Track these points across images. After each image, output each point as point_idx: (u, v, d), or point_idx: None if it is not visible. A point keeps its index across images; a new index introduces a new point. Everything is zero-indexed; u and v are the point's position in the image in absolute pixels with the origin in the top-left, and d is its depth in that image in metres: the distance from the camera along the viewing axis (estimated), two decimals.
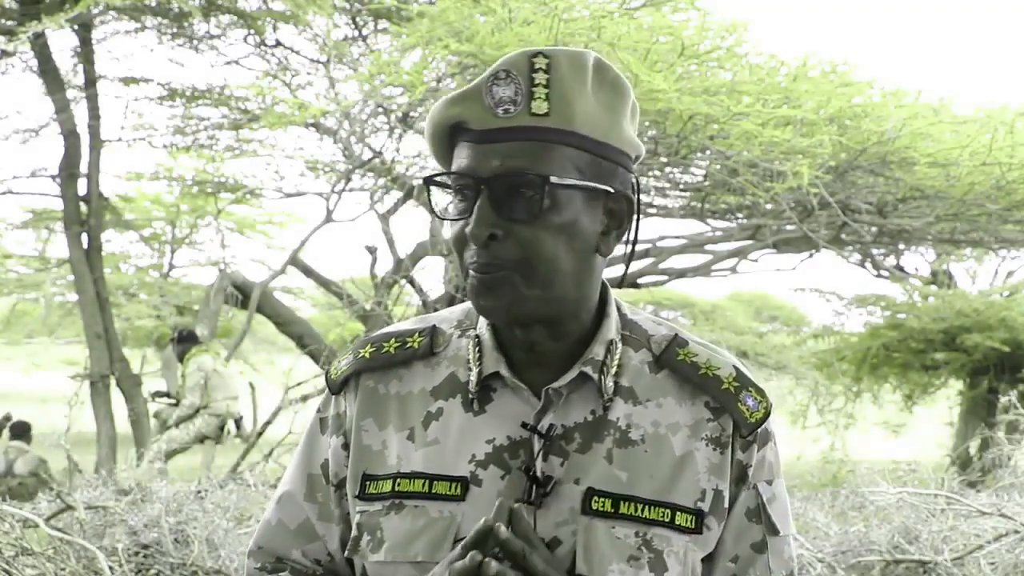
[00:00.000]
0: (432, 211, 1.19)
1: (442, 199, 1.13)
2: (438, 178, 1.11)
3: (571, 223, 1.06)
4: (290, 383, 6.61)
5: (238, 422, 7.92)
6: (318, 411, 1.22)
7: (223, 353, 9.01)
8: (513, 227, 1.04)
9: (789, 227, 8.19)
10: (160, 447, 7.35)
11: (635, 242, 1.16)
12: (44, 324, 13.40)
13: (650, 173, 7.87)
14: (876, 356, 10.56)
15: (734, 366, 1.16)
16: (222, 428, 7.76)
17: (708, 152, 6.75)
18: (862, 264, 10.89)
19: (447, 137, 1.09)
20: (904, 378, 11.12)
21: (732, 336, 9.93)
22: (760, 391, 1.15)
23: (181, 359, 7.72)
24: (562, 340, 1.12)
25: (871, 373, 10.84)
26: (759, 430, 1.14)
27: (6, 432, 9.04)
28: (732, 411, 1.13)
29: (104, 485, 4.66)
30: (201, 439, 7.63)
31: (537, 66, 1.04)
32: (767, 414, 1.14)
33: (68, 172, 8.41)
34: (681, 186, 8.33)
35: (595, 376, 1.11)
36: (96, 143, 8.49)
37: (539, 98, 1.04)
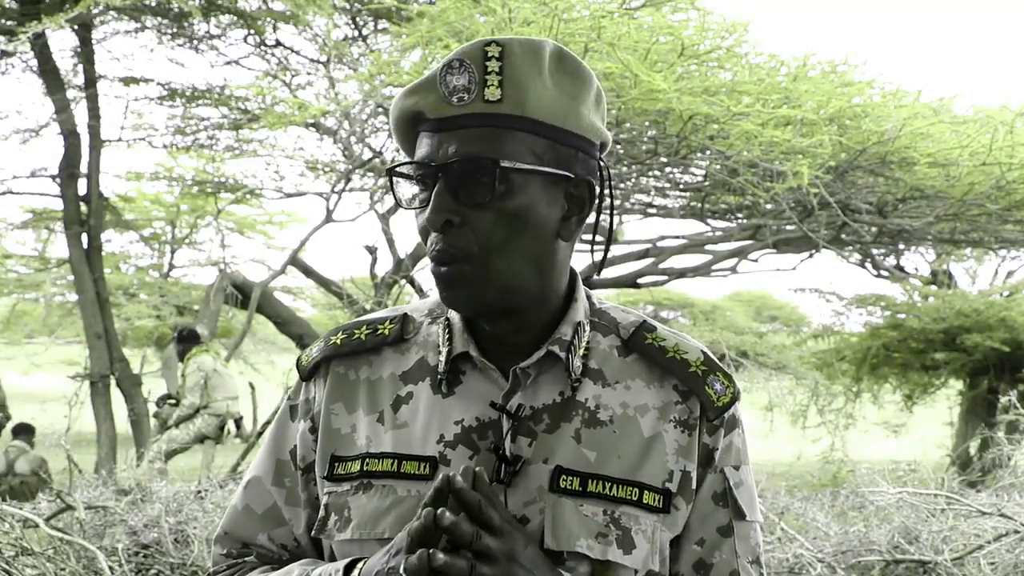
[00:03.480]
0: (397, 202, 1.19)
1: (407, 190, 1.13)
2: (401, 168, 1.12)
3: (527, 208, 1.07)
4: (290, 383, 6.60)
5: (238, 422, 7.92)
6: (288, 399, 1.23)
7: (223, 353, 9.02)
8: (469, 213, 1.05)
9: (789, 227, 8.20)
10: (160, 447, 7.35)
11: (610, 233, 1.17)
12: (44, 324, 13.41)
13: (650, 173, 7.87)
14: (876, 356, 10.56)
15: (702, 351, 1.17)
16: (222, 428, 7.76)
17: (708, 152, 6.75)
18: (862, 264, 10.90)
19: (410, 128, 1.11)
20: (904, 378, 11.11)
21: (732, 336, 9.89)
22: (728, 377, 1.17)
23: (182, 358, 7.72)
24: (527, 331, 1.13)
25: (871, 373, 10.83)
26: (726, 415, 1.15)
27: (8, 432, 9.04)
28: (699, 394, 1.14)
29: (104, 485, 4.67)
30: (201, 439, 7.63)
31: (490, 54, 1.05)
32: (734, 399, 1.16)
33: (68, 172, 8.41)
34: (681, 186, 8.34)
35: (563, 355, 1.12)
36: (96, 143, 8.49)
37: (492, 85, 1.05)
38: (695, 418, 1.14)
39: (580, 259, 10.19)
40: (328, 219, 8.69)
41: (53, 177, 8.74)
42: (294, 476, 1.19)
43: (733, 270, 9.61)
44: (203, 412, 7.56)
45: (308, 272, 9.82)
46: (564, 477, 1.08)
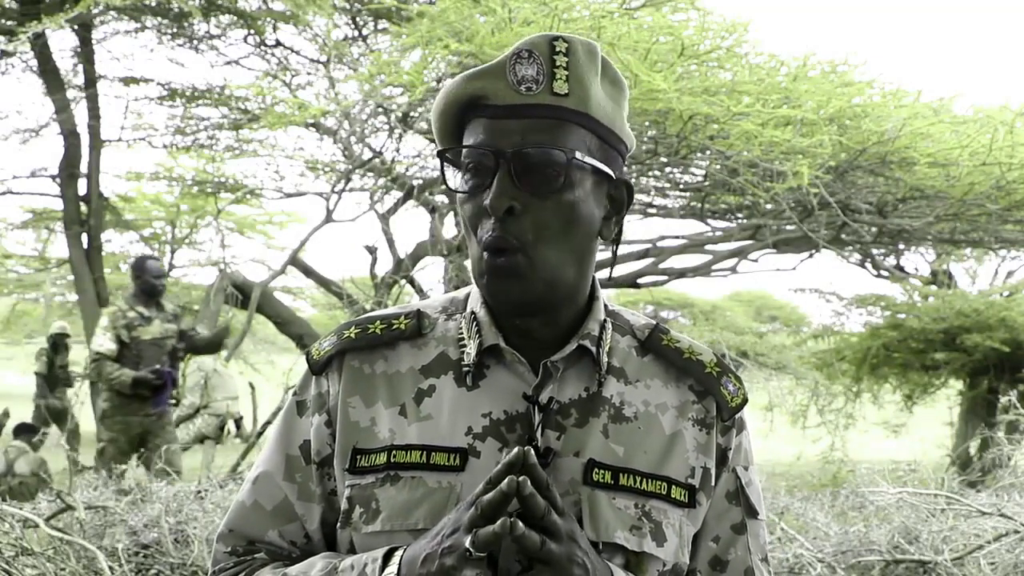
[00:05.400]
0: (447, 186, 1.18)
1: (451, 178, 1.14)
2: (451, 153, 1.13)
3: (583, 202, 1.09)
4: (290, 383, 6.60)
5: (238, 422, 7.93)
6: (294, 394, 1.22)
7: (223, 353, 9.01)
8: (530, 201, 1.07)
9: (789, 227, 8.19)
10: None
11: (618, 238, 1.19)
12: (44, 324, 13.40)
13: (650, 173, 7.87)
14: (876, 356, 10.55)
15: (715, 354, 1.21)
16: (222, 428, 7.77)
17: (708, 152, 6.75)
18: (862, 264, 10.89)
19: (459, 113, 1.11)
20: (904, 378, 11.10)
21: (732, 336, 9.89)
22: (739, 379, 1.20)
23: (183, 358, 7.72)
24: (555, 327, 1.15)
25: (871, 373, 10.82)
26: (736, 416, 1.19)
27: (8, 432, 9.03)
28: (715, 394, 1.17)
29: (104, 485, 4.66)
30: (201, 439, 7.63)
31: (558, 49, 1.07)
32: (745, 401, 1.19)
33: (68, 172, 8.41)
34: (681, 186, 8.33)
35: (593, 349, 1.14)
36: (96, 143, 8.49)
37: (560, 79, 1.07)
38: (712, 417, 1.17)
39: None
40: (328, 219, 8.68)
41: (53, 177, 8.74)
42: (306, 471, 1.18)
43: (733, 270, 9.60)
44: (203, 412, 7.56)
45: (308, 272, 9.81)
46: (597, 470, 1.10)
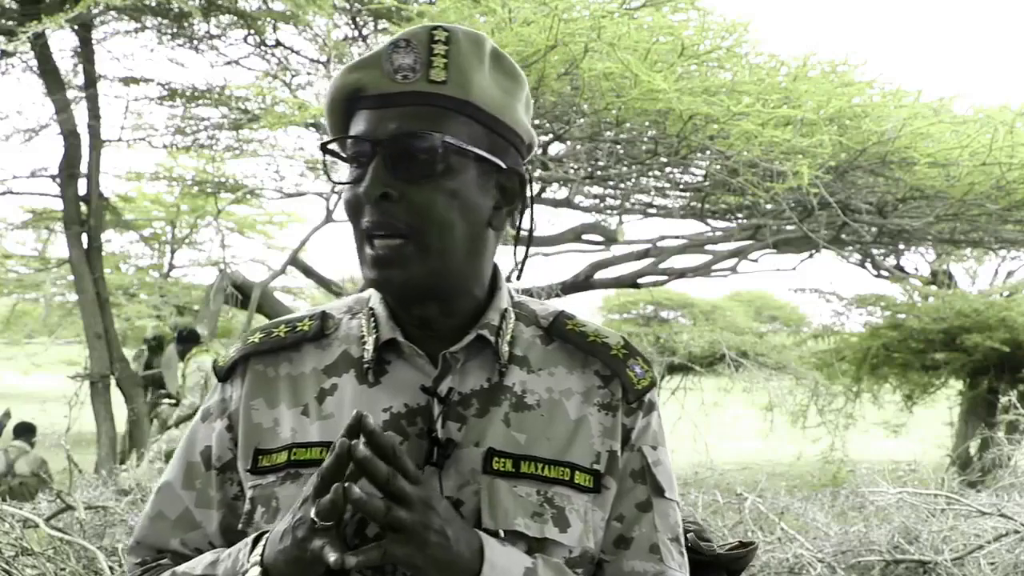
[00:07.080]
0: (328, 179, 1.18)
1: (341, 168, 1.12)
2: (334, 146, 1.12)
3: (463, 190, 1.07)
4: None
5: None
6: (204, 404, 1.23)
7: (223, 353, 9.01)
8: (407, 188, 1.05)
9: (789, 227, 8.19)
10: (160, 447, 7.35)
11: (530, 235, 1.18)
12: (44, 324, 13.41)
13: (650, 173, 7.87)
14: (876, 356, 10.56)
15: (622, 337, 1.20)
16: None
17: (708, 152, 6.75)
18: (862, 264, 10.90)
19: (345, 107, 1.11)
20: (904, 378, 11.11)
21: (732, 336, 9.90)
22: (647, 362, 1.19)
23: (182, 358, 7.72)
24: (455, 316, 1.14)
25: (871, 373, 10.83)
26: (645, 398, 1.17)
27: (8, 432, 9.03)
28: (621, 376, 1.16)
29: (104, 485, 4.66)
30: None
31: (436, 38, 1.06)
32: (652, 384, 1.18)
33: (68, 172, 8.40)
34: (681, 186, 8.33)
35: (492, 339, 1.13)
36: (96, 143, 8.48)
37: (437, 67, 1.06)
38: (617, 400, 1.15)
39: (577, 259, 10.15)
40: (328, 219, 8.68)
41: (53, 177, 8.73)
42: (205, 477, 1.18)
43: (733, 270, 9.61)
44: None
45: (308, 272, 9.82)
46: (497, 459, 1.09)
